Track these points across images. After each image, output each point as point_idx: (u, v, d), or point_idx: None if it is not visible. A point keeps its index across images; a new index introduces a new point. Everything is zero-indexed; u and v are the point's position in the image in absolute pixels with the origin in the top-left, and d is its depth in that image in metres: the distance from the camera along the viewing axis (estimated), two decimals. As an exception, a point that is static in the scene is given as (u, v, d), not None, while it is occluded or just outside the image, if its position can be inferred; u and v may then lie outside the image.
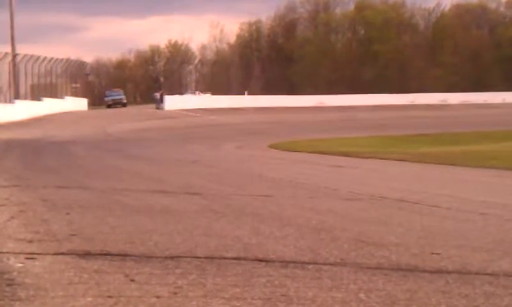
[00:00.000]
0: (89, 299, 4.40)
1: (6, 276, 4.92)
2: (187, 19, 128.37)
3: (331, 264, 5.45)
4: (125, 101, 72.82)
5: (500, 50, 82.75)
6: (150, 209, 8.58)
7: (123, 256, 5.65)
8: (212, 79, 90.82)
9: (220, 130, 38.17)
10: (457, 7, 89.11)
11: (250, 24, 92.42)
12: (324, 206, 9.09)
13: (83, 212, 8.21)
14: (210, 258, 5.61)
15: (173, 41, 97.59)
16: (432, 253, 5.90)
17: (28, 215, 7.90)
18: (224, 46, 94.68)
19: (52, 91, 59.27)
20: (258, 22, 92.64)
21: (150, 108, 62.91)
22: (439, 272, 5.23)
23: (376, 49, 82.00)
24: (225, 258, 5.59)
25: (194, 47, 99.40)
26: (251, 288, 4.70)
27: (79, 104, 64.50)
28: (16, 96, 49.81)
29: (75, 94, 67.23)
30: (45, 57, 58.08)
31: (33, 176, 13.55)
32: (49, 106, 54.33)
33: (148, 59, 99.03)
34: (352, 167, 17.08)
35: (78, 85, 70.25)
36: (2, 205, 8.74)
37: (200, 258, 5.60)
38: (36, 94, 54.86)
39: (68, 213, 7.99)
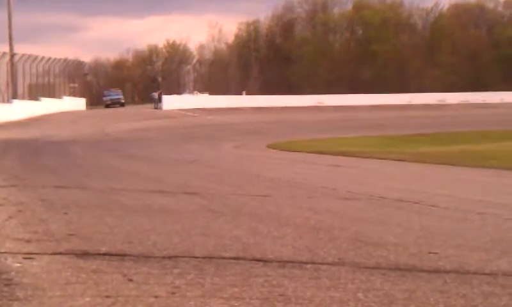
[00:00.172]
0: (87, 298, 4.40)
1: (3, 276, 4.92)
2: (186, 19, 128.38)
3: (329, 264, 5.45)
4: (123, 101, 72.80)
5: (498, 49, 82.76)
6: (148, 209, 8.58)
7: (121, 255, 5.65)
8: (210, 79, 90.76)
9: (218, 130, 38.16)
10: (455, 7, 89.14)
11: (248, 24, 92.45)
12: (322, 206, 9.09)
13: (81, 212, 8.20)
14: (209, 257, 5.61)
15: (171, 41, 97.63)
16: (431, 253, 5.90)
17: (26, 215, 7.89)
18: (223, 46, 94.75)
19: (50, 91, 59.24)
20: (256, 21, 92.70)
21: (148, 108, 62.89)
22: (437, 271, 5.24)
23: (374, 49, 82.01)
24: (223, 258, 5.59)
25: (193, 46, 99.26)
26: (249, 287, 4.70)
27: (77, 104, 64.47)
28: (14, 96, 49.79)
29: (73, 94, 67.22)
30: (43, 57, 58.06)
31: (31, 176, 13.55)
32: (47, 106, 54.30)
33: (146, 58, 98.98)
34: (350, 167, 17.08)
35: (76, 85, 70.23)
36: (0, 205, 8.74)
37: (198, 257, 5.60)
38: (34, 94, 54.84)
39: (66, 213, 7.98)
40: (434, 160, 18.62)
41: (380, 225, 7.48)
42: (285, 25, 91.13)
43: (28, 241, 6.27)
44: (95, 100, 78.96)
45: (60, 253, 5.74)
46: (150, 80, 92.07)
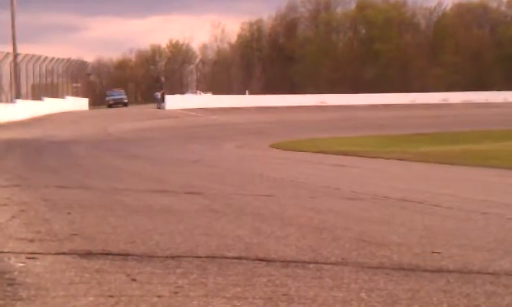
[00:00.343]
0: (91, 298, 4.40)
1: (7, 276, 4.92)
2: (187, 19, 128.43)
3: (332, 263, 5.44)
4: (126, 101, 72.80)
5: (501, 49, 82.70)
6: (151, 209, 8.58)
7: (125, 255, 5.65)
8: (213, 79, 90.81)
9: (221, 129, 38.17)
10: (458, 7, 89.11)
11: (251, 24, 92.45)
12: (325, 206, 9.08)
13: (84, 212, 8.21)
14: (211, 257, 5.60)
15: (174, 41, 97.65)
16: (434, 252, 5.89)
17: (29, 215, 7.90)
18: (225, 46, 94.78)
19: (53, 91, 59.27)
20: (259, 21, 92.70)
21: (151, 108, 62.90)
22: (440, 271, 5.23)
23: (377, 48, 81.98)
24: (226, 258, 5.59)
25: (195, 46, 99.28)
26: (252, 287, 4.70)
27: (80, 104, 64.51)
28: (18, 96, 49.82)
29: (76, 94, 67.25)
30: (46, 57, 58.10)
31: (34, 176, 13.55)
32: (50, 106, 54.35)
33: (149, 58, 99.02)
34: (353, 166, 17.08)
35: (79, 85, 70.26)
36: (3, 205, 8.74)
37: (201, 257, 5.60)
38: (37, 94, 54.88)
39: (69, 213, 7.99)
40: (438, 160, 18.61)
41: (383, 225, 7.48)
42: (288, 25, 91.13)
43: (31, 241, 6.27)
44: (98, 100, 79.00)
45: (63, 253, 5.74)
46: (153, 80, 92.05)
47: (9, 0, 52.46)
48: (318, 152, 21.89)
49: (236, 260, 5.50)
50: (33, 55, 54.88)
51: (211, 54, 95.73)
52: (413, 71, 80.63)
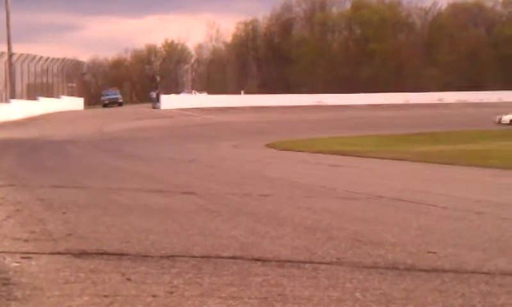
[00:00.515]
0: (86, 298, 4.39)
1: (1, 275, 4.91)
2: (184, 18, 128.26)
3: (327, 263, 5.44)
4: (121, 100, 72.71)
5: (497, 49, 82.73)
6: (146, 208, 8.57)
7: (120, 255, 5.64)
8: (208, 78, 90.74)
9: (217, 129, 38.17)
10: (453, 6, 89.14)
11: (246, 24, 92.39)
12: (320, 206, 9.09)
13: (79, 212, 8.20)
14: (207, 257, 5.60)
15: (169, 41, 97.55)
16: (429, 252, 5.90)
17: (24, 215, 7.88)
18: (221, 45, 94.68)
19: (48, 91, 59.19)
20: (254, 21, 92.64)
21: (146, 107, 62.87)
22: (435, 271, 5.23)
23: (372, 48, 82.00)
24: (221, 258, 5.59)
25: (191, 46, 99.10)
26: (248, 287, 4.70)
27: (75, 103, 64.43)
28: (13, 95, 49.75)
29: (72, 93, 67.15)
30: (41, 57, 58.02)
31: (29, 176, 13.53)
32: (45, 105, 54.27)
33: (145, 58, 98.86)
34: (348, 166, 17.09)
35: (74, 84, 70.15)
36: (-2, 205, 8.73)
37: (196, 257, 5.60)
38: (32, 93, 54.80)
39: (64, 213, 7.98)
40: (432, 159, 18.64)
41: (378, 224, 7.48)
42: (283, 25, 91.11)
43: (26, 240, 6.26)
44: (93, 100, 78.84)
45: (58, 253, 5.73)
46: (148, 80, 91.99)
47: (3, 0, 52.39)
48: (314, 152, 21.91)
49: (231, 260, 5.50)
50: (28, 55, 54.79)
51: (206, 54, 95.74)
52: (408, 71, 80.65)
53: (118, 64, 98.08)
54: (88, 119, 47.54)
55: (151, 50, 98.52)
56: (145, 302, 4.31)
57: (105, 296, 4.42)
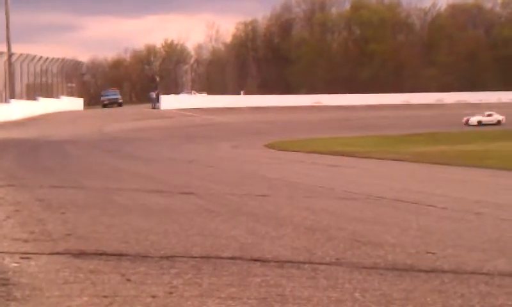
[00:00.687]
0: (85, 298, 4.39)
1: (1, 276, 4.90)
2: (183, 19, 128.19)
3: (326, 264, 5.44)
4: (121, 100, 72.68)
5: (496, 50, 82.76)
6: (146, 209, 8.57)
7: (119, 255, 5.64)
8: (208, 79, 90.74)
9: (216, 129, 38.18)
10: (453, 7, 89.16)
11: (246, 24, 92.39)
12: (319, 206, 9.09)
13: (78, 212, 8.19)
14: (206, 257, 5.60)
15: (169, 41, 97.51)
16: (428, 253, 5.90)
17: (23, 215, 7.88)
18: (220, 46, 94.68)
19: (47, 91, 59.16)
20: (254, 21, 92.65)
21: (146, 107, 62.85)
22: (435, 271, 5.23)
23: (371, 49, 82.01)
24: (221, 258, 5.58)
25: (190, 46, 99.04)
26: (247, 287, 4.70)
27: (75, 104, 64.41)
28: (12, 95, 49.72)
29: (71, 93, 67.13)
30: (41, 57, 57.99)
31: (29, 176, 13.53)
32: (45, 106, 54.26)
33: (144, 58, 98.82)
34: (348, 166, 17.09)
35: (74, 84, 70.12)
36: (-3, 205, 8.72)
37: (195, 257, 5.60)
38: (32, 93, 54.77)
39: (63, 213, 7.98)
40: (431, 160, 18.65)
41: (377, 225, 7.48)
42: (283, 25, 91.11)
43: (25, 241, 6.25)
44: (93, 100, 78.84)
45: (57, 253, 5.73)
46: (148, 80, 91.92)
47: (3, 0, 52.37)
48: (313, 152, 21.92)
49: (231, 260, 5.49)
50: (28, 55, 54.78)
51: (206, 54, 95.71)
52: (407, 72, 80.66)
53: (117, 64, 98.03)
54: (87, 120, 47.53)
55: (150, 50, 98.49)
56: (144, 303, 4.31)
57: (105, 296, 4.42)
